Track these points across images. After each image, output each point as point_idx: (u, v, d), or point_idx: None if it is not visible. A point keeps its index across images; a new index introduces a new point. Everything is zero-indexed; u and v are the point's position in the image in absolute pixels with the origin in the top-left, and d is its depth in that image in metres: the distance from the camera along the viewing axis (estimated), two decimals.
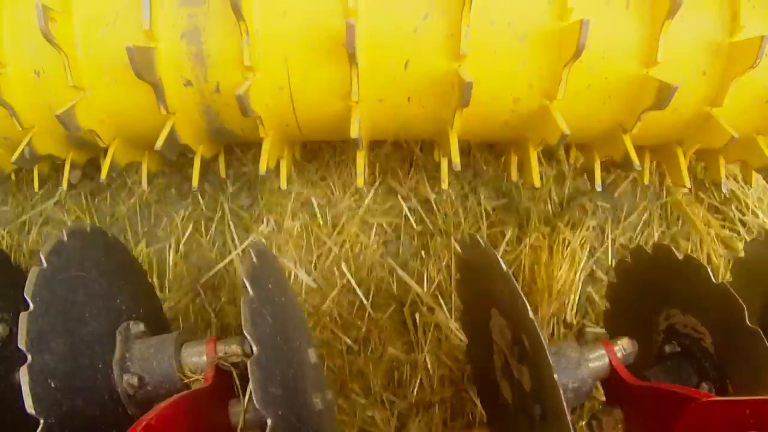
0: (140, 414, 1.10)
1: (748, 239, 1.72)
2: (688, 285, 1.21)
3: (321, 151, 1.92)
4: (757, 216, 1.87)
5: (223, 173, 1.83)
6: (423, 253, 1.77)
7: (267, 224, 1.77)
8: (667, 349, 1.30)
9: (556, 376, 0.97)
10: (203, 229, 1.81)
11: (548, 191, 1.84)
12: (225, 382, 1.11)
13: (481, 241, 1.20)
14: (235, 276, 1.71)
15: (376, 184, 1.84)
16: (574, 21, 1.20)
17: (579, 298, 1.73)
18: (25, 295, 0.94)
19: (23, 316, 0.93)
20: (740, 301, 1.07)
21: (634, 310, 1.44)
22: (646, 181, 1.77)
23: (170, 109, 1.39)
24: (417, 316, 1.69)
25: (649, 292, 1.36)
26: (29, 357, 0.91)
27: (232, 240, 1.77)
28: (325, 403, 1.27)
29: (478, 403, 1.60)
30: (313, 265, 1.74)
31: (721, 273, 1.76)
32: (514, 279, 1.06)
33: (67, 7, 1.29)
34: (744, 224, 1.86)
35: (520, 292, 1.03)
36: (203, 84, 1.36)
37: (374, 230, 1.79)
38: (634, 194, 1.89)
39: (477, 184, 1.87)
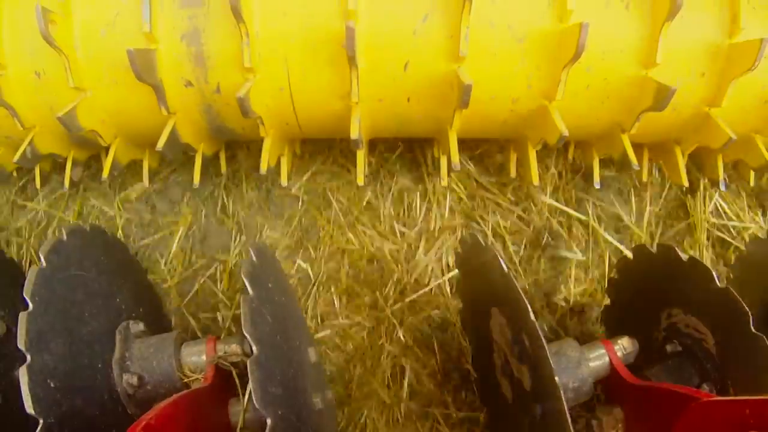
0: (140, 413, 1.10)
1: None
2: (691, 286, 1.20)
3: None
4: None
5: (224, 169, 1.82)
6: None
7: None
8: (669, 348, 1.30)
9: (557, 378, 0.97)
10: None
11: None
12: (225, 382, 1.10)
13: (481, 240, 1.19)
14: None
15: None
16: (574, 24, 1.19)
17: None
18: (24, 294, 0.93)
19: (22, 316, 0.92)
20: (745, 306, 1.06)
21: (635, 307, 1.44)
22: (645, 179, 1.76)
23: (171, 109, 1.38)
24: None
25: (651, 291, 1.35)
26: (28, 357, 0.91)
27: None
28: (325, 403, 1.26)
29: None
30: None
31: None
32: (514, 279, 1.06)
33: (67, 8, 1.28)
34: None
35: (521, 291, 1.03)
36: (204, 85, 1.35)
37: None
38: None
39: None
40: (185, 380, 1.11)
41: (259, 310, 1.00)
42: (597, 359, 1.25)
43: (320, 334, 1.62)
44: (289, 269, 1.70)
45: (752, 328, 1.05)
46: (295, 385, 1.09)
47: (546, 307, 1.70)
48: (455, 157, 1.40)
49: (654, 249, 1.28)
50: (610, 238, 1.75)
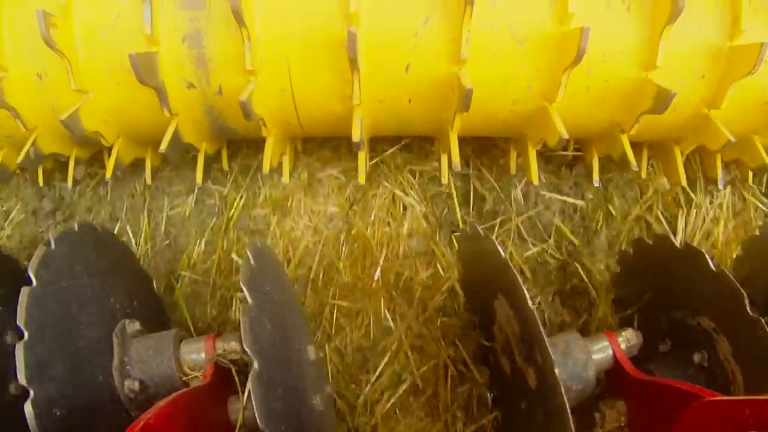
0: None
1: None
2: (688, 273, 1.20)
3: None
4: None
5: (225, 166, 1.82)
6: None
7: None
8: (672, 342, 1.30)
9: (557, 370, 0.96)
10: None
11: None
12: (224, 379, 1.10)
13: (480, 231, 1.19)
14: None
15: None
16: (575, 27, 1.18)
17: None
18: (18, 322, 0.92)
19: (20, 347, 0.91)
20: (756, 311, 1.05)
21: (639, 300, 1.43)
22: (644, 176, 1.75)
23: (173, 110, 1.38)
24: None
25: (663, 287, 1.34)
26: (31, 391, 0.90)
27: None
28: (325, 401, 1.25)
29: None
30: None
31: None
32: (515, 270, 1.06)
33: (68, 11, 1.28)
34: None
35: (522, 285, 1.03)
36: (206, 86, 1.35)
37: None
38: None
39: None
40: (185, 378, 1.10)
41: (259, 318, 0.98)
42: (600, 351, 1.23)
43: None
44: None
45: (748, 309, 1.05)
46: (296, 393, 1.08)
47: None
48: (456, 158, 1.40)
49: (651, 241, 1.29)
50: None
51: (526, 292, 1.02)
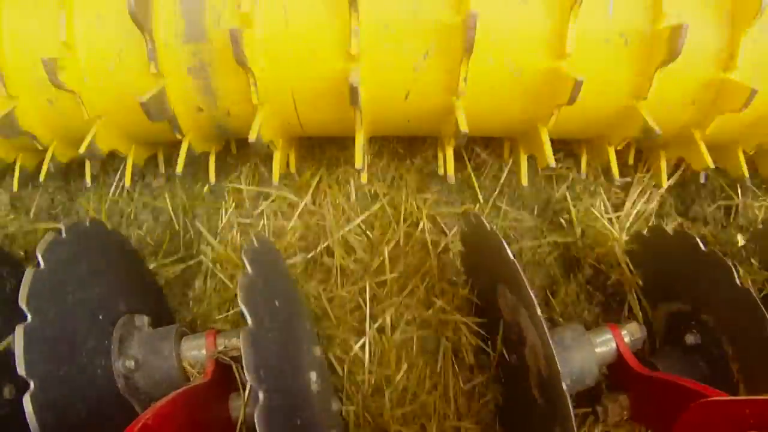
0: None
1: None
2: (712, 284, 1.17)
3: None
4: None
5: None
6: None
7: None
8: (682, 336, 1.26)
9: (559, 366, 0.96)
10: None
11: None
12: (225, 376, 1.10)
13: (485, 222, 1.17)
14: None
15: None
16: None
17: None
18: (20, 302, 0.92)
19: (20, 330, 0.91)
20: (764, 311, 1.04)
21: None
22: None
23: (184, 131, 1.43)
24: None
25: (671, 279, 1.32)
26: (32, 384, 0.89)
27: None
28: (331, 416, 1.25)
29: None
30: None
31: None
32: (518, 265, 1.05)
33: (72, 45, 1.27)
34: None
35: (524, 277, 1.03)
36: (214, 110, 1.39)
37: None
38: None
39: None
40: (186, 375, 1.12)
41: (261, 342, 0.94)
42: (603, 345, 1.22)
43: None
44: None
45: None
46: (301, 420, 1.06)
47: None
48: (450, 169, 1.49)
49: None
50: None
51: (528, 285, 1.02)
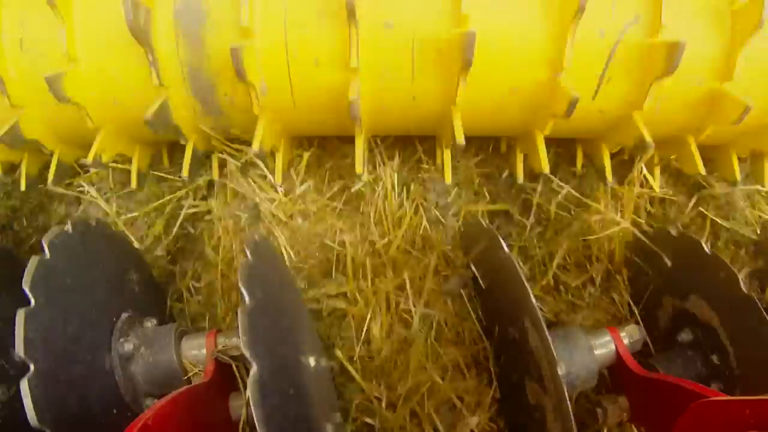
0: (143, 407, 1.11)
1: None
2: (714, 286, 1.18)
3: None
4: None
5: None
6: None
7: None
8: (682, 337, 1.27)
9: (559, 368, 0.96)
10: None
11: None
12: (225, 375, 1.10)
13: (483, 223, 1.17)
14: None
15: None
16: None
17: None
18: (23, 286, 0.91)
19: (20, 314, 0.90)
20: (764, 314, 1.04)
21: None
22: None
23: (188, 137, 1.46)
24: None
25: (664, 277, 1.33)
26: (31, 367, 0.88)
27: None
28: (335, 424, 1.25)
29: None
30: None
31: None
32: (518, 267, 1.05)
33: (74, 58, 1.27)
34: None
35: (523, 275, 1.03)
36: (218, 122, 1.43)
37: None
38: None
39: None
40: (186, 375, 1.11)
41: (259, 321, 0.93)
42: (603, 347, 1.21)
43: None
44: None
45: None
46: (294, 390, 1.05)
47: None
48: (448, 176, 1.53)
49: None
50: None
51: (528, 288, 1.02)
